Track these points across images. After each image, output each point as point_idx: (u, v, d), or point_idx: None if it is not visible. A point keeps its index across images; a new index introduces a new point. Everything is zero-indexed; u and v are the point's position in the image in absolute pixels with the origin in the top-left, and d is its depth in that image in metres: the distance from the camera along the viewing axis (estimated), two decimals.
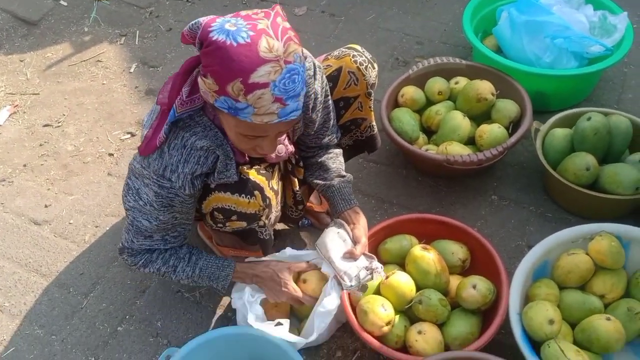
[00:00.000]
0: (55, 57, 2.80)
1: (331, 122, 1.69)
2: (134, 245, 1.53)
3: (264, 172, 1.52)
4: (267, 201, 1.52)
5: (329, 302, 1.55)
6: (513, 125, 2.04)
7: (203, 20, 1.22)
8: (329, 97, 1.64)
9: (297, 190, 1.74)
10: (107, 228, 2.07)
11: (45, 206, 2.16)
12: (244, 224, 1.53)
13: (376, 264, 1.59)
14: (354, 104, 1.74)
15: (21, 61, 2.79)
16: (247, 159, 1.48)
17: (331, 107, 1.66)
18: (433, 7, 2.93)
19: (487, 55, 2.24)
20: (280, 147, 1.54)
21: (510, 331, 1.54)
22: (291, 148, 1.58)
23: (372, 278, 1.58)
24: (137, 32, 2.90)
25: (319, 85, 1.55)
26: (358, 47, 1.72)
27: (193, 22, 1.24)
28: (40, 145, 2.39)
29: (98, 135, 2.42)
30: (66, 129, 2.45)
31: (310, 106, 1.55)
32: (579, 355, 1.46)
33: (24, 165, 2.32)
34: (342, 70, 1.68)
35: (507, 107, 2.06)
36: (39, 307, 1.88)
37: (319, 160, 1.72)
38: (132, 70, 2.70)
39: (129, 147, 2.35)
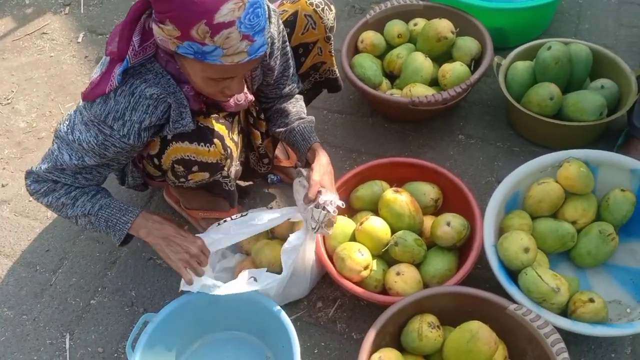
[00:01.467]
0: None
1: (291, 70, 1.63)
2: (41, 172, 1.42)
3: (222, 121, 1.47)
4: (228, 151, 1.47)
5: (294, 238, 1.53)
6: (475, 63, 2.03)
7: None
8: (287, 43, 1.58)
9: (260, 144, 1.69)
10: None
11: (2, 186, 2.07)
12: (206, 174, 1.48)
13: (324, 197, 1.48)
14: (313, 50, 1.69)
15: None
16: (204, 107, 1.43)
17: (290, 54, 1.61)
18: None
19: None
20: (239, 96, 1.49)
21: (486, 265, 1.54)
22: (250, 97, 1.53)
23: (328, 212, 1.48)
24: (82, 0, 2.78)
25: (275, 29, 1.50)
26: None
27: None
28: None
29: (51, 109, 2.32)
30: (16, 106, 2.35)
31: (267, 52, 1.50)
32: (556, 278, 1.47)
33: None
34: (298, 14, 1.62)
35: (468, 45, 2.03)
36: (6, 288, 1.82)
37: (279, 107, 1.67)
38: (79, 40, 2.59)
39: None
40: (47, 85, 2.42)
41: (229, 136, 1.47)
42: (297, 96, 1.71)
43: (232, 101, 1.48)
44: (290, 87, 1.67)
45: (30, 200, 2.02)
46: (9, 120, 2.30)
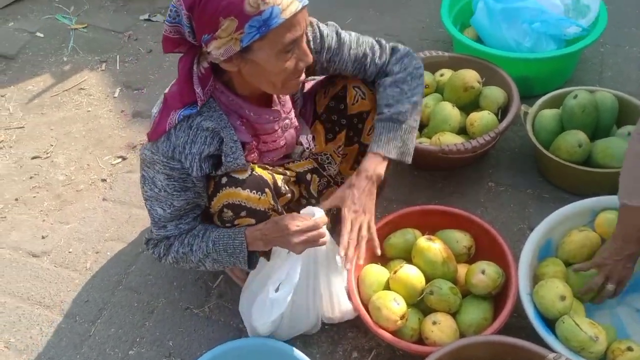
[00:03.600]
0: (36, 89, 2.79)
1: (359, 53, 1.57)
2: (153, 236, 1.55)
3: (277, 173, 1.55)
4: (278, 207, 1.52)
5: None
6: (502, 111, 2.07)
7: (174, 2, 1.24)
8: (340, 32, 1.56)
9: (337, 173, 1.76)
10: (108, 253, 2.05)
11: (42, 237, 2.13)
12: (252, 221, 1.52)
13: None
14: (368, 119, 1.67)
15: (2, 96, 2.77)
16: (256, 151, 1.49)
17: (349, 41, 1.56)
18: (409, 6, 2.96)
19: (469, 45, 2.27)
20: (286, 122, 1.55)
21: (522, 313, 1.55)
22: (295, 122, 1.58)
23: None
24: (118, 56, 2.90)
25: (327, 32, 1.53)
26: None
27: (168, 14, 1.26)
28: (31, 177, 2.37)
29: (89, 162, 2.40)
30: (55, 159, 2.43)
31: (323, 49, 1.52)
32: (594, 327, 1.47)
33: (16, 200, 2.29)
34: (347, 86, 1.64)
35: (494, 94, 2.08)
36: (46, 339, 1.85)
37: (379, 86, 1.61)
38: (116, 94, 2.69)
39: (122, 171, 2.34)
40: (85, 139, 2.50)
41: (279, 187, 1.54)
42: (398, 77, 1.57)
43: (279, 130, 1.54)
44: (373, 64, 1.59)
45: (70, 252, 2.07)
46: (48, 174, 2.38)
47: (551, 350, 1.41)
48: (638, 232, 1.44)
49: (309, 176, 1.71)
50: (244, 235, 1.49)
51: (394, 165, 2.18)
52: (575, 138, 1.89)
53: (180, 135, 1.37)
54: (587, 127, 1.94)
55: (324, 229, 1.47)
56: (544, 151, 1.93)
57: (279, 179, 1.57)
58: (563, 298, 1.52)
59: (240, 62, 1.30)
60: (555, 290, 1.53)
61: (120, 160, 2.39)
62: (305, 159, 1.71)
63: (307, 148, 1.68)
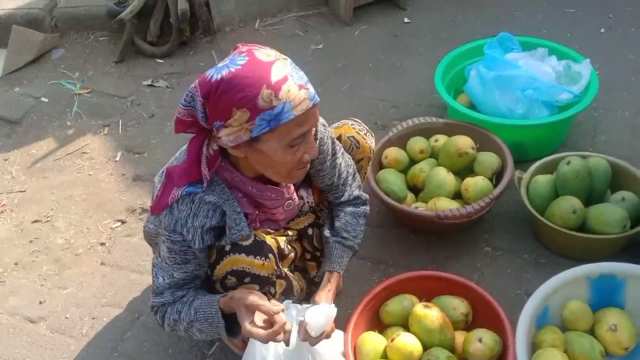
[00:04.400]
0: (39, 153, 2.83)
1: (342, 179, 1.70)
2: (155, 304, 1.56)
3: (279, 236, 1.58)
4: (282, 271, 1.54)
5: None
6: (496, 177, 2.10)
7: (193, 85, 1.29)
8: (337, 155, 1.65)
9: (316, 274, 1.78)
10: (104, 319, 2.04)
11: (40, 302, 2.13)
12: (256, 287, 1.52)
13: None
14: (362, 169, 1.82)
15: (5, 160, 2.82)
16: (256, 212, 1.52)
17: (339, 165, 1.67)
18: (404, 72, 3.05)
19: (462, 111, 2.32)
20: (289, 202, 1.59)
21: None
22: (297, 199, 1.62)
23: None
24: (120, 121, 2.96)
25: (328, 136, 1.62)
26: (354, 119, 1.83)
27: (184, 97, 1.30)
28: (31, 241, 2.38)
29: (88, 226, 2.42)
30: (56, 223, 2.45)
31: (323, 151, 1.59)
32: None
33: (15, 264, 2.30)
34: (341, 137, 1.76)
35: (489, 160, 2.12)
36: None
37: (336, 212, 1.74)
38: (117, 158, 2.74)
39: (120, 235, 2.35)
40: (86, 202, 2.53)
41: (283, 249, 1.58)
42: (359, 210, 1.76)
43: (280, 207, 1.57)
44: (341, 194, 1.72)
45: (66, 317, 2.06)
46: (48, 237, 2.39)
47: None
48: None
49: (310, 230, 1.74)
50: (217, 300, 1.48)
51: (390, 230, 2.21)
52: (569, 204, 1.91)
53: (183, 208, 1.41)
54: (581, 192, 1.97)
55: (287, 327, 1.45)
56: (539, 217, 1.95)
57: (282, 240, 1.59)
58: None
59: (247, 150, 1.35)
60: None
61: (119, 224, 2.41)
62: (305, 213, 1.73)
63: (307, 202, 1.71)
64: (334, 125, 1.80)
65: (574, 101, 2.30)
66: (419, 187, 2.21)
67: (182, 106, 1.32)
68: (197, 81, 1.29)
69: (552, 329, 1.67)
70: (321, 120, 1.59)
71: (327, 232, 1.72)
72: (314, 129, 1.43)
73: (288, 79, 1.26)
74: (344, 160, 1.69)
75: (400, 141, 2.30)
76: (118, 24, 3.23)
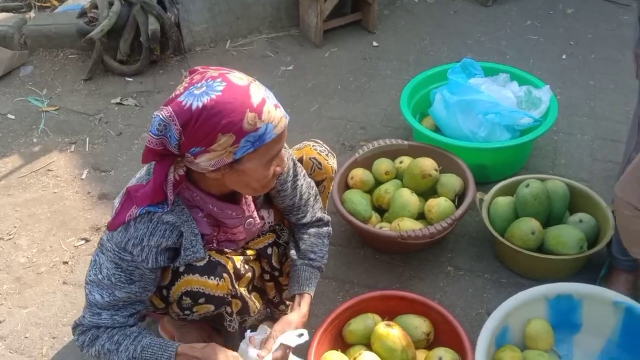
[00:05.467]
0: (3, 170, 2.80)
1: (303, 200, 1.71)
2: (84, 321, 1.48)
3: (235, 255, 1.57)
4: (237, 291, 1.54)
5: None
6: (458, 198, 2.14)
7: (166, 113, 1.25)
8: (298, 176, 1.67)
9: (275, 294, 1.79)
10: (65, 338, 2.01)
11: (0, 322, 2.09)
12: (211, 307, 1.53)
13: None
14: (321, 188, 1.83)
15: None
16: (215, 241, 1.52)
17: (300, 187, 1.68)
18: (371, 94, 3.10)
19: (426, 134, 2.37)
20: (249, 220, 1.59)
21: None
22: (258, 221, 1.62)
23: None
24: (87, 138, 2.94)
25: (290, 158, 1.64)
26: (315, 140, 1.85)
27: (153, 126, 1.26)
28: None
29: (51, 244, 2.39)
30: (18, 241, 2.42)
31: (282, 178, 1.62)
32: None
33: None
34: (303, 158, 1.78)
35: (451, 181, 2.16)
36: None
37: (299, 234, 1.75)
38: (83, 176, 2.72)
39: (84, 254, 2.33)
40: (50, 220, 2.50)
41: (240, 269, 1.56)
42: (323, 231, 1.78)
43: (241, 227, 1.57)
44: (303, 215, 1.73)
45: (26, 337, 2.03)
46: (9, 256, 2.35)
47: None
48: None
49: (269, 250, 1.73)
50: (175, 349, 1.48)
51: (355, 249, 2.24)
52: (528, 226, 1.96)
53: (140, 227, 1.39)
54: (540, 214, 2.02)
55: None
56: (499, 238, 2.00)
57: (238, 260, 1.58)
58: None
59: (227, 171, 1.35)
60: None
61: (83, 242, 2.38)
62: (265, 233, 1.73)
63: (269, 222, 1.71)
64: (295, 147, 1.82)
65: (535, 125, 2.37)
66: (384, 208, 2.24)
67: (153, 135, 1.28)
68: (169, 109, 1.26)
69: (511, 347, 1.70)
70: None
71: (293, 255, 1.72)
72: None
73: (266, 100, 1.30)
74: (306, 182, 1.71)
75: (366, 162, 2.34)
76: (88, 42, 3.22)
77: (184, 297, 1.51)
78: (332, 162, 1.83)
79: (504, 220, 2.05)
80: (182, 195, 1.44)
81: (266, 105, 1.29)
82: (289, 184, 1.64)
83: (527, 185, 2.03)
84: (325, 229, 1.79)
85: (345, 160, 2.34)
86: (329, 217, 1.82)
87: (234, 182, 1.41)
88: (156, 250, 1.41)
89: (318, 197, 1.78)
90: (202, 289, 1.49)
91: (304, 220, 1.74)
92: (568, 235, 1.94)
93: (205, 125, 1.25)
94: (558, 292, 1.76)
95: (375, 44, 3.51)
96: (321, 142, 1.86)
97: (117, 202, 1.46)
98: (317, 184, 1.80)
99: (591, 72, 3.15)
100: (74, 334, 1.54)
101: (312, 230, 1.75)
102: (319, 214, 1.78)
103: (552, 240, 1.96)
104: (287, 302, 1.84)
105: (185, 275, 1.47)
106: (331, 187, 1.87)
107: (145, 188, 1.39)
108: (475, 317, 1.95)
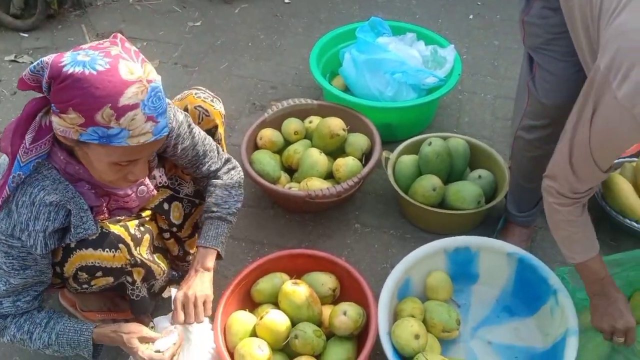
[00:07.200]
0: None
1: (201, 150, 1.64)
2: None
3: (129, 221, 1.51)
4: (138, 259, 1.50)
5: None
6: (365, 157, 2.18)
7: (47, 59, 1.20)
8: (193, 126, 1.61)
9: (179, 252, 1.76)
10: None
11: None
12: (110, 279, 1.49)
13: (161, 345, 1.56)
14: (216, 135, 1.78)
15: None
16: (104, 204, 1.45)
17: (197, 136, 1.62)
18: (282, 52, 3.06)
19: (336, 94, 2.38)
20: (141, 187, 1.53)
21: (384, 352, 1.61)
22: (153, 190, 1.57)
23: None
24: None
25: (182, 116, 1.56)
26: (198, 87, 1.78)
27: (34, 63, 1.21)
28: None
29: None
30: None
31: (173, 138, 1.54)
32: None
33: None
34: (188, 108, 1.71)
35: (358, 141, 2.19)
36: None
37: (207, 190, 1.70)
38: None
39: None
40: None
41: (134, 234, 1.50)
42: (231, 180, 1.71)
43: (133, 194, 1.51)
44: (208, 165, 1.67)
45: None
46: None
47: None
48: (597, 282, 1.52)
49: (166, 205, 1.66)
50: (91, 333, 1.47)
51: (265, 210, 2.24)
52: (430, 182, 2.03)
53: (23, 212, 1.31)
54: (441, 171, 2.09)
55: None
56: (403, 195, 2.06)
57: (132, 225, 1.51)
58: (417, 337, 1.61)
59: (74, 145, 1.27)
60: (410, 329, 1.62)
61: None
62: (157, 191, 1.65)
63: (161, 182, 1.64)
64: (176, 97, 1.75)
65: (439, 84, 2.42)
66: (294, 168, 2.25)
67: (30, 71, 1.22)
68: (52, 57, 1.20)
69: (412, 299, 1.77)
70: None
71: (203, 212, 1.68)
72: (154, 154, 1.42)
73: (138, 107, 1.20)
74: (200, 137, 1.63)
75: (276, 122, 2.32)
76: None
77: (79, 273, 1.46)
78: (218, 107, 1.76)
79: (408, 178, 2.11)
80: (64, 170, 1.35)
81: (134, 112, 1.19)
82: (188, 143, 1.57)
83: (430, 144, 2.09)
84: (233, 172, 1.73)
85: (256, 120, 2.31)
86: (236, 162, 1.76)
87: (83, 160, 1.33)
88: (43, 234, 1.34)
89: (216, 146, 1.71)
90: (98, 263, 1.44)
91: (212, 170, 1.68)
92: (466, 191, 2.03)
93: (63, 92, 1.17)
94: (456, 245, 1.84)
95: (286, 0, 3.46)
96: (204, 89, 1.77)
97: None
98: (208, 132, 1.72)
99: (496, 33, 3.24)
100: None
101: (218, 182, 1.69)
102: (225, 156, 1.72)
103: (452, 196, 2.04)
104: (192, 251, 1.80)
105: (78, 250, 1.42)
106: (224, 132, 1.81)
107: (12, 124, 1.29)
108: (380, 271, 2.02)
